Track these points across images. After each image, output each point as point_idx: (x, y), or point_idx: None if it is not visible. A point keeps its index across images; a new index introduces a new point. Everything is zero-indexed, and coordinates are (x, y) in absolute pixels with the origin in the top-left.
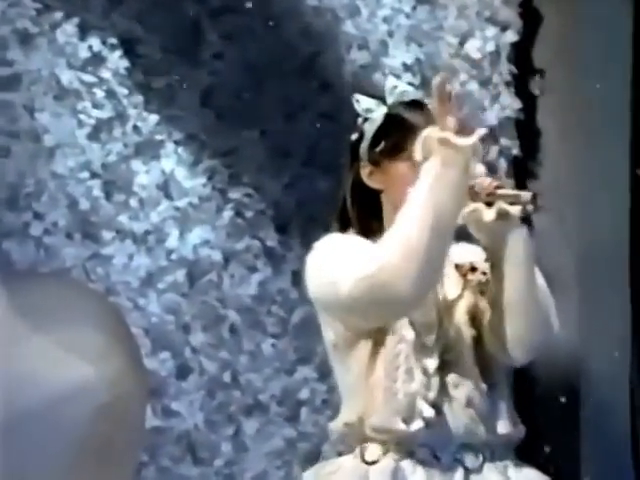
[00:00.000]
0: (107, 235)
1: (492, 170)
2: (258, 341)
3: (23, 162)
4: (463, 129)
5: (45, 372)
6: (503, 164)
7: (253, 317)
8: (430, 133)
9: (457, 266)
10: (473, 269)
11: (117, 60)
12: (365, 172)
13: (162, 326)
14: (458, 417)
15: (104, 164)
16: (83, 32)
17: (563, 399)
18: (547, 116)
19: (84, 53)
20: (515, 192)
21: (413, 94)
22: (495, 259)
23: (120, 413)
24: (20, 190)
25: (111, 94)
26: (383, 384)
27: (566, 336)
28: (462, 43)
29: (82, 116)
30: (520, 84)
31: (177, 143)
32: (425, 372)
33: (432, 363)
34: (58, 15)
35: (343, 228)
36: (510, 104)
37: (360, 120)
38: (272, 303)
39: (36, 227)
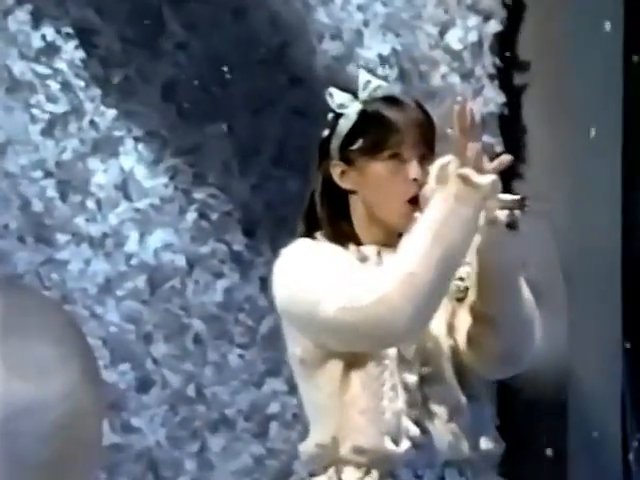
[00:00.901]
0: (62, 238)
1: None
2: (224, 352)
3: None
4: (480, 161)
5: None
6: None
7: (219, 326)
8: (449, 165)
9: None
10: None
11: (73, 51)
12: (336, 171)
13: (121, 336)
14: (442, 434)
15: (59, 162)
16: (36, 20)
17: (549, 412)
18: (533, 111)
19: (37, 43)
20: (504, 196)
21: (388, 89)
22: (480, 266)
23: (75, 429)
24: None
25: (66, 87)
26: (367, 403)
27: (554, 345)
28: (442, 33)
29: (35, 110)
30: (504, 77)
31: (137, 140)
32: (406, 387)
33: (412, 378)
34: (9, 1)
35: (311, 230)
36: (493, 98)
37: (331, 116)
38: (239, 311)
39: None
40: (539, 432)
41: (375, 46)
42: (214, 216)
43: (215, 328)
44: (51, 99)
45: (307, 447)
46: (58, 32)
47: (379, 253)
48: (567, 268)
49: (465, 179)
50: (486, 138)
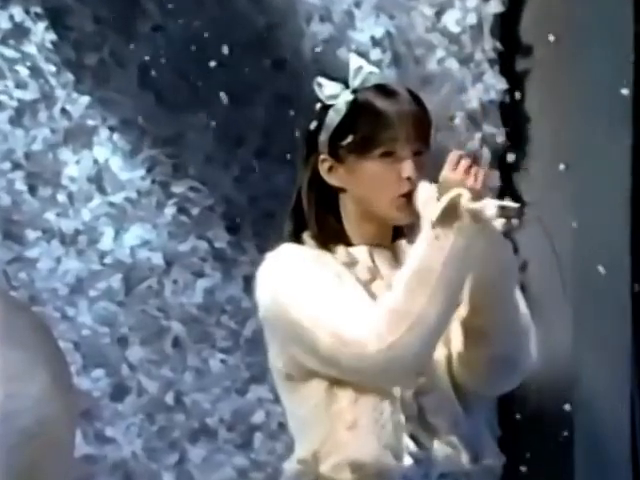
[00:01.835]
0: (31, 235)
1: (473, 161)
2: (205, 357)
3: None
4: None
5: None
6: (486, 154)
7: (199, 329)
8: (460, 198)
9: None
10: None
11: (43, 32)
12: (324, 167)
13: (95, 340)
14: (439, 446)
15: (28, 153)
16: (3, 0)
17: (555, 420)
18: (536, 99)
19: (5, 24)
20: (499, 203)
21: (381, 77)
22: (472, 277)
23: (45, 438)
24: None
25: (36, 72)
26: (358, 416)
27: (558, 352)
28: (439, 15)
29: (3, 97)
30: (505, 62)
31: (112, 129)
32: (402, 399)
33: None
34: None
35: (298, 229)
36: (494, 85)
37: (319, 105)
38: (221, 313)
39: None
40: (543, 444)
41: (367, 28)
42: (194, 211)
43: (195, 331)
44: (20, 85)
45: (289, 464)
46: (27, 12)
47: (371, 254)
48: (572, 267)
49: (476, 215)
50: (487, 127)
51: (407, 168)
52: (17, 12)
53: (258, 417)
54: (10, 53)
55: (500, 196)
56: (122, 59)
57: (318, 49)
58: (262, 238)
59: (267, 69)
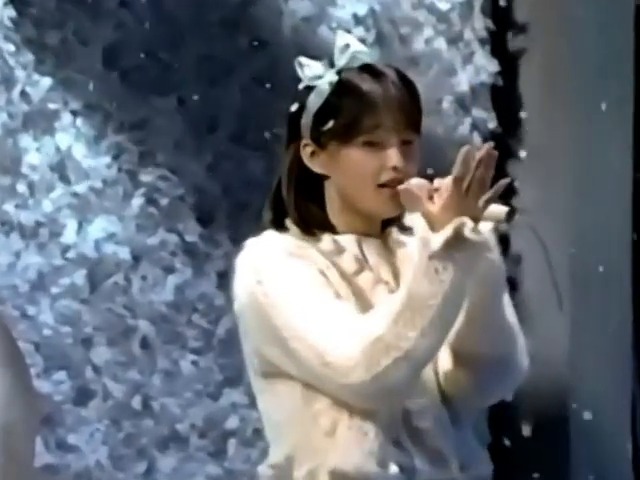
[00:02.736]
0: None
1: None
2: (175, 358)
3: None
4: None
5: None
6: (477, 140)
7: (169, 329)
8: (463, 228)
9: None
10: None
11: (1, 9)
12: (306, 152)
13: (57, 340)
14: (425, 452)
15: None
16: None
17: (553, 424)
18: (530, 82)
19: None
20: (489, 205)
21: (369, 55)
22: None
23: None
24: None
25: None
26: (337, 420)
27: (556, 352)
28: None
29: None
30: (497, 42)
31: (75, 113)
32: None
33: None
34: None
35: (279, 217)
36: (485, 66)
37: (301, 86)
38: (193, 311)
39: None
40: (538, 451)
41: (349, 5)
42: (164, 201)
43: (165, 331)
44: None
45: (262, 469)
46: None
47: (359, 244)
48: (570, 264)
49: (484, 248)
50: (477, 112)
51: (393, 157)
52: None
53: (232, 423)
54: None
55: (491, 185)
56: (86, 38)
57: (297, 27)
58: (236, 230)
59: (243, 48)
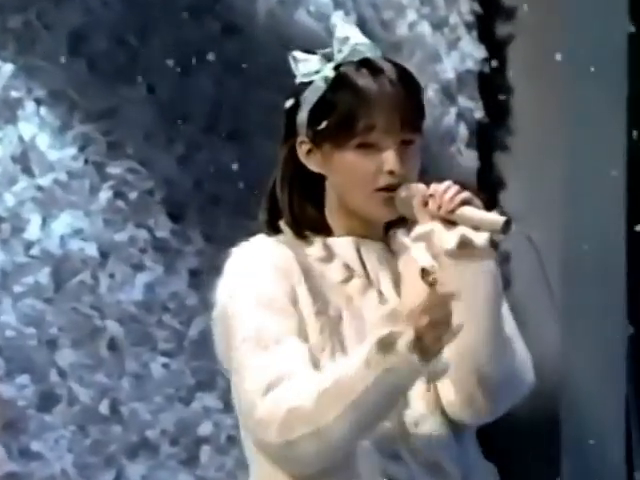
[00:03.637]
0: None
1: (449, 139)
2: (145, 361)
3: None
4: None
5: None
6: (463, 131)
7: (139, 329)
8: (399, 338)
9: (424, 271)
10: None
11: None
12: (302, 150)
13: (20, 341)
14: (422, 463)
15: None
16: None
17: (543, 426)
18: (519, 69)
19: None
20: (484, 215)
21: (371, 49)
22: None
23: None
24: None
25: None
26: None
27: (547, 351)
28: None
29: None
30: (485, 27)
31: (39, 102)
32: None
33: None
34: None
35: (272, 219)
36: (472, 53)
37: (297, 81)
38: (163, 311)
39: None
40: (527, 455)
41: None
42: (133, 195)
43: (134, 332)
44: None
45: None
46: None
47: (358, 247)
48: (561, 258)
49: (424, 352)
50: (463, 101)
51: (389, 160)
52: None
53: (205, 429)
54: None
55: (479, 178)
56: (50, 22)
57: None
58: (210, 226)
59: (215, 34)
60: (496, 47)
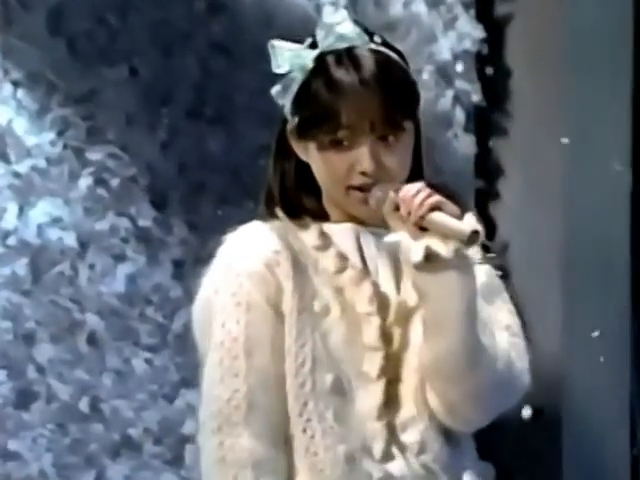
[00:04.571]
0: None
1: (445, 123)
2: (127, 356)
3: None
4: None
5: None
6: (460, 115)
7: (120, 323)
8: None
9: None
10: None
11: None
12: (293, 137)
13: None
14: (412, 470)
15: None
16: None
17: (542, 425)
18: (518, 50)
19: None
20: (452, 223)
21: (357, 37)
22: (424, 310)
23: None
24: None
25: None
26: (296, 441)
27: (547, 347)
28: None
29: None
30: (483, 6)
31: (16, 84)
32: (365, 416)
33: (375, 400)
34: None
35: (269, 204)
36: (469, 33)
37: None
38: (146, 304)
39: None
40: (527, 460)
41: None
42: (114, 182)
43: (115, 326)
44: None
45: None
46: None
47: (357, 235)
48: (562, 246)
49: None
50: (460, 84)
51: (362, 160)
52: None
53: (189, 427)
54: None
55: (476, 164)
56: (28, 0)
57: None
58: (194, 214)
59: (200, 13)
60: (494, 27)
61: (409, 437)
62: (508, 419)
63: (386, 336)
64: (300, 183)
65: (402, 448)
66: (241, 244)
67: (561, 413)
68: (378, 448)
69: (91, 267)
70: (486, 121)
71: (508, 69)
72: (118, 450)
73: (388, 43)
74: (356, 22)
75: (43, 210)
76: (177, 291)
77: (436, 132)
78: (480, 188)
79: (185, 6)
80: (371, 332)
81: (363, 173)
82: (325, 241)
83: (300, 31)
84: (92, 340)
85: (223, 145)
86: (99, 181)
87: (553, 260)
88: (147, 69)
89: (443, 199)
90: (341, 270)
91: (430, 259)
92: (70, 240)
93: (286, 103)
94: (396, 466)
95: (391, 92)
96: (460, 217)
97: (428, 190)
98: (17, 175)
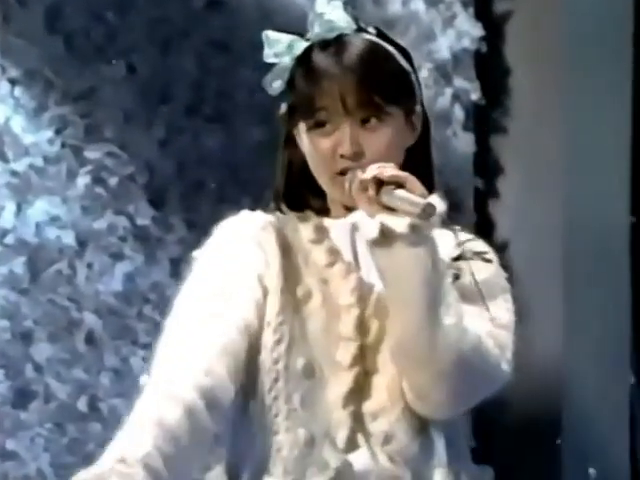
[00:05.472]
0: None
1: (444, 121)
2: (125, 355)
3: None
4: None
5: None
6: (459, 113)
7: (118, 322)
8: None
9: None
10: None
11: None
12: (284, 124)
13: None
14: (376, 460)
15: None
16: None
17: (542, 428)
18: (518, 48)
19: None
20: (407, 198)
21: (347, 25)
22: (384, 289)
23: None
24: None
25: None
26: (259, 417)
27: (548, 348)
28: None
29: None
30: (482, 4)
31: (13, 82)
32: (333, 404)
33: (342, 389)
34: None
35: (277, 202)
36: (468, 31)
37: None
38: (144, 303)
39: None
40: (525, 465)
41: None
42: (112, 181)
43: (113, 325)
44: None
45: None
46: None
47: (353, 232)
48: (562, 245)
49: None
50: (459, 82)
51: (341, 143)
52: None
53: None
54: None
55: (475, 162)
56: None
57: None
58: (192, 213)
59: (198, 10)
60: (494, 25)
61: (377, 427)
62: (507, 419)
63: (363, 327)
64: (307, 180)
65: (367, 437)
66: (232, 224)
67: (561, 413)
68: (342, 436)
69: (89, 266)
70: (485, 119)
71: (507, 67)
72: None
73: (386, 35)
74: (354, 18)
75: (41, 209)
76: (175, 290)
77: (435, 130)
78: (479, 187)
79: (183, 3)
80: (348, 322)
81: (342, 156)
82: (321, 235)
83: (298, 28)
84: (90, 339)
85: (222, 143)
86: (97, 179)
87: (553, 259)
88: (145, 67)
89: (408, 176)
90: (331, 264)
91: (385, 235)
92: (68, 239)
93: (276, 93)
94: (358, 457)
95: (369, 74)
96: (425, 196)
97: (391, 166)
98: (15, 173)
